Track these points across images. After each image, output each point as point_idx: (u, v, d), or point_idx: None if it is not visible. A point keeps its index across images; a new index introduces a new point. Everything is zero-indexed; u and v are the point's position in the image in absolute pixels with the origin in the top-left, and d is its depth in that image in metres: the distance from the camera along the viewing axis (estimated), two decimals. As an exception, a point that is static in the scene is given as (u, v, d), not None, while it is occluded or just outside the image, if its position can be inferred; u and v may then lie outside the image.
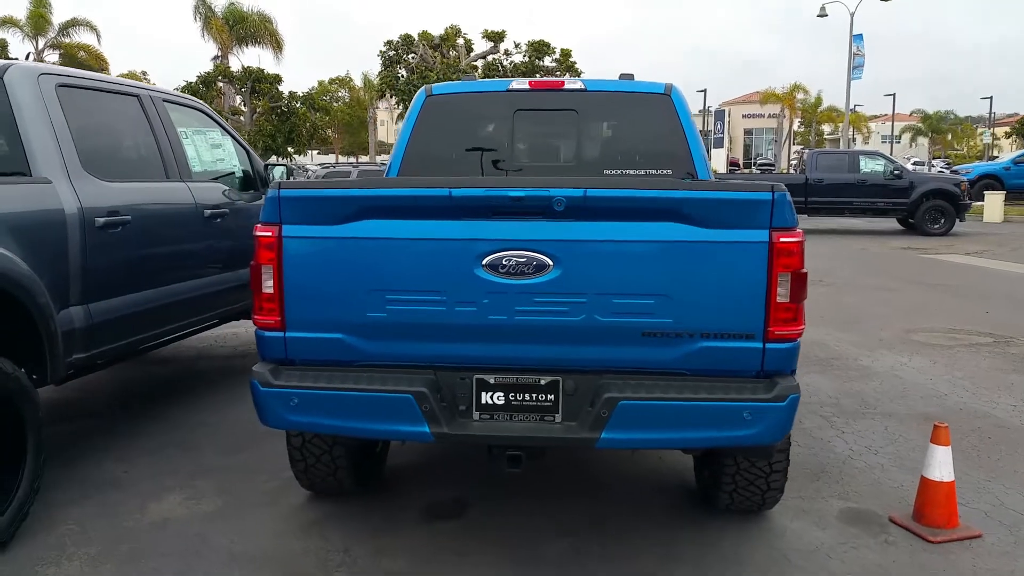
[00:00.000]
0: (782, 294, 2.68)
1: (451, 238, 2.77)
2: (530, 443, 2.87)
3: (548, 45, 17.66)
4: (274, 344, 2.93)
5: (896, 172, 18.48)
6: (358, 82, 45.52)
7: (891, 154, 31.24)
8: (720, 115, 52.86)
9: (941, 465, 3.55)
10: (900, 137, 68.26)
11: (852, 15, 37.05)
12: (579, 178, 3.43)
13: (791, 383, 2.74)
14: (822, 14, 42.05)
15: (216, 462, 4.41)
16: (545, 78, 4.12)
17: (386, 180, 3.10)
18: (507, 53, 17.81)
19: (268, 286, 2.87)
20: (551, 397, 2.85)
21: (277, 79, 32.82)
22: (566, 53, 17.76)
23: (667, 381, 2.77)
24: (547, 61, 17.92)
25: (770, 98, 55.37)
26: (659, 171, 4.51)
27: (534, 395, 2.86)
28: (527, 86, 4.55)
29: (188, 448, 4.62)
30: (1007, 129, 53.62)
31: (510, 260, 2.73)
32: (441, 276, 2.79)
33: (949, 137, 73.41)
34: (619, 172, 4.52)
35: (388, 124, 64.20)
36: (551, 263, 2.72)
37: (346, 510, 3.80)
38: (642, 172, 4.51)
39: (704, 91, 52.00)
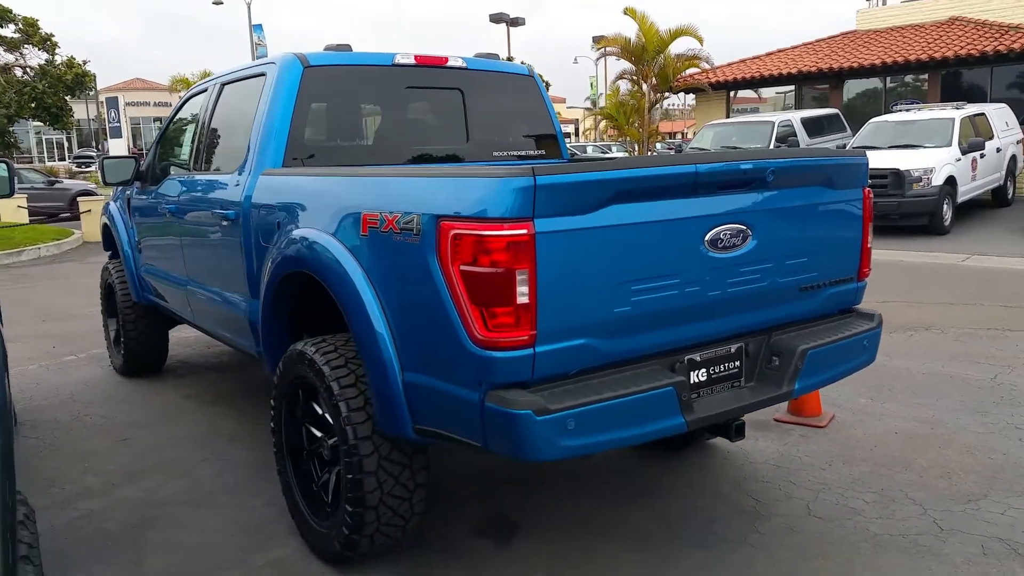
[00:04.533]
0: (870, 240, 3.31)
1: (684, 216, 2.65)
2: (741, 412, 2.94)
3: (9, 11, 13.86)
4: (519, 364, 2.37)
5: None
6: None
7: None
8: (113, 103, 48.45)
9: (810, 369, 4.64)
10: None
11: (249, 5, 37.93)
12: (780, 149, 3.44)
13: (874, 311, 3.39)
14: (217, 1, 42.32)
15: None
16: (427, 53, 3.54)
17: (635, 159, 2.67)
18: (-46, 17, 13.46)
19: (523, 294, 2.32)
20: (737, 363, 2.96)
21: None
22: (30, 22, 14.19)
23: (814, 327, 3.16)
24: (10, 31, 14.04)
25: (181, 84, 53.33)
26: (536, 153, 4.58)
27: (727, 364, 2.93)
28: (413, 61, 4.09)
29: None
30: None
31: (725, 234, 2.76)
32: (676, 258, 2.65)
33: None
34: (505, 154, 4.45)
35: None
36: (751, 233, 2.84)
37: (416, 572, 3.14)
38: (521, 154, 4.52)
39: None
